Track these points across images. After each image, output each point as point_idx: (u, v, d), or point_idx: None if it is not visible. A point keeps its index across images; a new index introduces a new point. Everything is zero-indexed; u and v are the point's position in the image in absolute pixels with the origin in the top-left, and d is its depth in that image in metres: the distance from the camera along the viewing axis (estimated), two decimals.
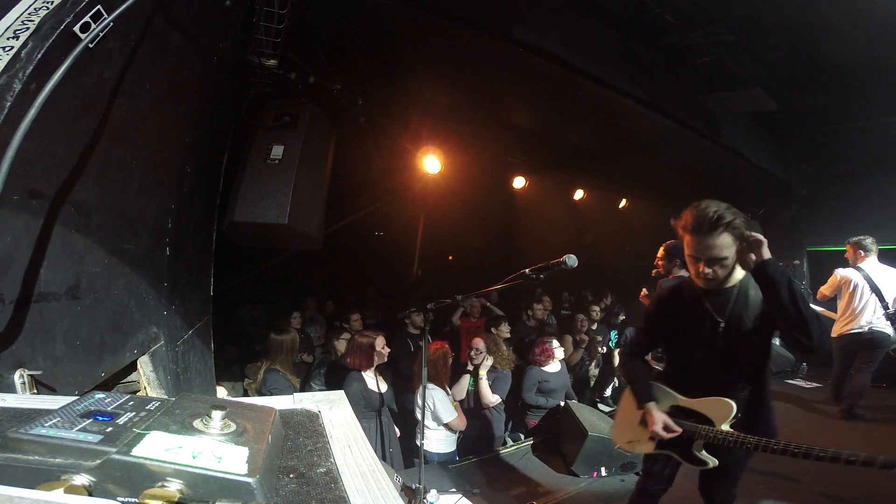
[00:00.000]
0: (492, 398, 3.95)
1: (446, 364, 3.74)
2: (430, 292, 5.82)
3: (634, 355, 2.30)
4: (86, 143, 1.30)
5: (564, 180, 8.03)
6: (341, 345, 4.25)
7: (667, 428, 2.01)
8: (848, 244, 4.68)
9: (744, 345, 1.91)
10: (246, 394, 3.72)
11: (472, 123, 5.61)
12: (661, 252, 3.70)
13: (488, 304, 5.83)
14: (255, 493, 0.50)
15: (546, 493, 3.29)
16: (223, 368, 4.08)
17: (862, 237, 4.59)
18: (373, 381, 3.41)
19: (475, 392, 4.02)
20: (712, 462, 1.99)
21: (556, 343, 4.47)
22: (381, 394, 3.41)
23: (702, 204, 1.85)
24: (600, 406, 5.14)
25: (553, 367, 4.35)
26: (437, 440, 3.65)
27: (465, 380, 3.96)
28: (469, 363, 4.02)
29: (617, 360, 5.60)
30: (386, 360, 3.54)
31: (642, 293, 4.17)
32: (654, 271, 3.87)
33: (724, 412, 1.90)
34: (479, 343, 4.00)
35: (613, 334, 6.18)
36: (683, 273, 4.12)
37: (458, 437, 3.83)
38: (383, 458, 3.32)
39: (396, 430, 3.64)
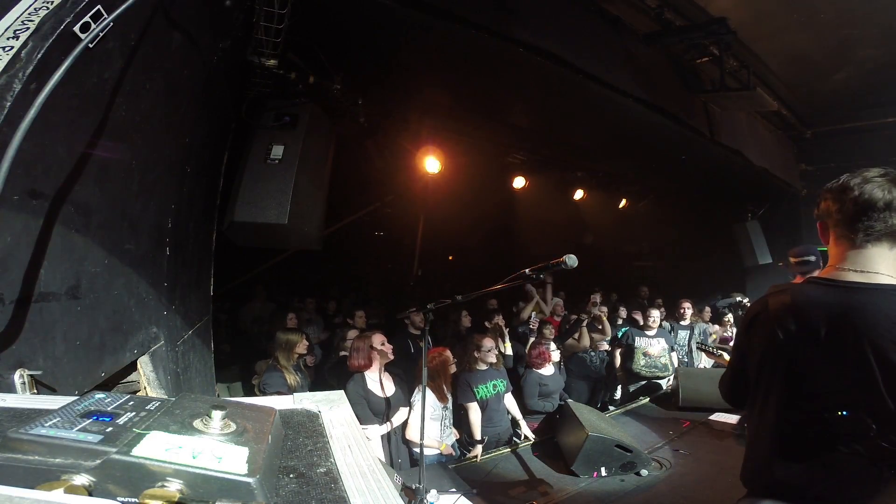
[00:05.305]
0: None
1: (446, 372, 3.61)
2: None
3: None
4: (86, 143, 1.30)
5: (564, 180, 8.03)
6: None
7: None
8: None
9: None
10: (253, 390, 3.83)
11: (472, 123, 5.61)
12: None
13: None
14: (255, 493, 0.50)
15: (546, 493, 3.28)
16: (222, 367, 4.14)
17: None
18: (376, 384, 3.33)
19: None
20: None
21: (552, 346, 4.47)
22: (387, 397, 3.31)
23: None
24: (610, 408, 5.07)
25: (548, 369, 4.38)
26: (437, 440, 3.64)
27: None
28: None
29: (618, 361, 5.59)
30: (391, 357, 3.45)
31: None
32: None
33: None
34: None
35: (621, 332, 6.14)
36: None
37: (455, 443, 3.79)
38: (391, 463, 3.26)
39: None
